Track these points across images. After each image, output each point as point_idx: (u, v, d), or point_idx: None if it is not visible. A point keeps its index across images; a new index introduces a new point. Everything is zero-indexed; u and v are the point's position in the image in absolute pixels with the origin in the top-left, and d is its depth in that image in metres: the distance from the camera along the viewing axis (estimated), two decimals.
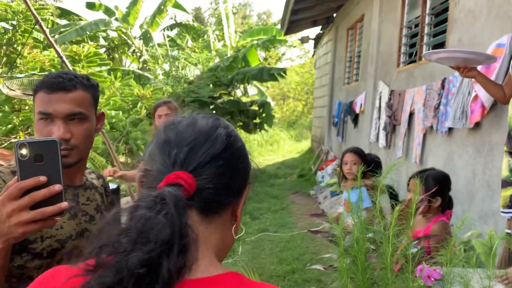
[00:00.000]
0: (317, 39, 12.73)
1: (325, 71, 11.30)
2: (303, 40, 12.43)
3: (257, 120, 11.06)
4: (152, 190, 0.58)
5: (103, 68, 8.95)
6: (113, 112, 7.35)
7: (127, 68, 10.65)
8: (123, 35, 12.20)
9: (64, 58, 3.53)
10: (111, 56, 13.65)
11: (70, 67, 3.80)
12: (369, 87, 6.47)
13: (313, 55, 13.75)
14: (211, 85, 9.57)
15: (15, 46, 7.70)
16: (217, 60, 10.22)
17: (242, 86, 11.59)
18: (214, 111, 10.01)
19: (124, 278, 0.50)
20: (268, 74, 9.32)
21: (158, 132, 0.65)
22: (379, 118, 5.98)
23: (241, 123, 11.24)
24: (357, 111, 7.09)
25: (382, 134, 5.69)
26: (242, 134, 15.86)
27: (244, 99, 11.78)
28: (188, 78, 9.34)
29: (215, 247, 0.62)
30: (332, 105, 9.82)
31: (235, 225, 0.67)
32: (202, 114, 0.67)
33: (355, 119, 7.35)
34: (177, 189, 0.57)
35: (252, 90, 12.45)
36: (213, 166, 0.61)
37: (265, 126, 11.24)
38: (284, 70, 9.59)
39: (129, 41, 12.25)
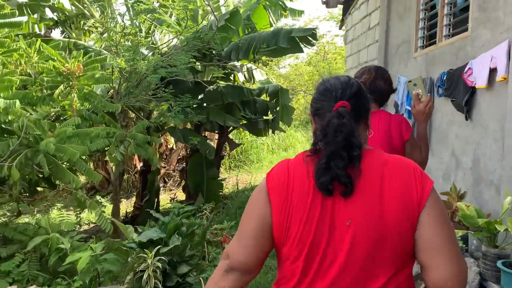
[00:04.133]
0: (348, 2, 9.18)
1: (368, 40, 7.74)
2: (329, 4, 8.88)
3: (269, 116, 7.51)
4: (327, 116, 1.18)
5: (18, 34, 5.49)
6: (1, 102, 3.84)
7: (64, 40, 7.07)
8: (77, 3, 8.70)
9: None
10: (67, 36, 10.13)
11: None
12: None
13: (340, 27, 10.20)
14: (196, 62, 6.00)
15: None
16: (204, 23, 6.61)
17: (245, 67, 8.02)
18: (204, 103, 6.46)
19: (338, 149, 1.10)
20: (287, 40, 5.76)
21: (318, 85, 1.28)
22: None
23: (244, 121, 7.66)
24: (480, 84, 3.53)
25: None
26: (247, 137, 11.96)
27: (248, 86, 8.20)
28: (158, 47, 5.79)
29: (363, 139, 1.24)
30: None
31: (367, 130, 1.29)
32: (337, 75, 1.30)
33: (468, 102, 3.80)
34: (344, 109, 1.16)
35: (259, 74, 8.88)
36: (354, 98, 1.21)
37: (281, 125, 7.66)
38: (313, 31, 6.06)
39: (86, 11, 8.74)
